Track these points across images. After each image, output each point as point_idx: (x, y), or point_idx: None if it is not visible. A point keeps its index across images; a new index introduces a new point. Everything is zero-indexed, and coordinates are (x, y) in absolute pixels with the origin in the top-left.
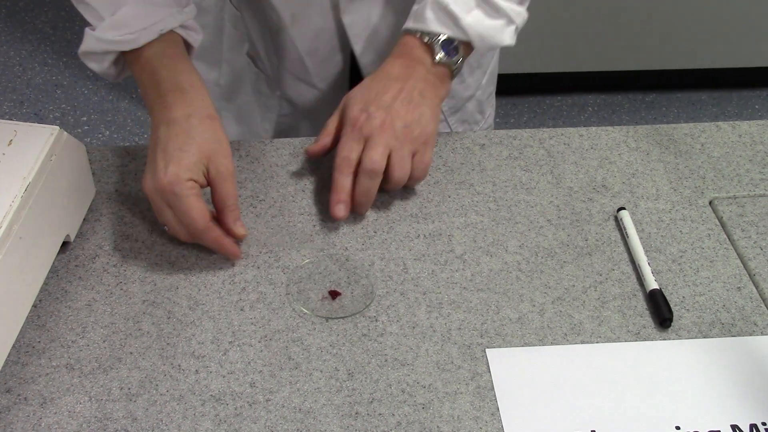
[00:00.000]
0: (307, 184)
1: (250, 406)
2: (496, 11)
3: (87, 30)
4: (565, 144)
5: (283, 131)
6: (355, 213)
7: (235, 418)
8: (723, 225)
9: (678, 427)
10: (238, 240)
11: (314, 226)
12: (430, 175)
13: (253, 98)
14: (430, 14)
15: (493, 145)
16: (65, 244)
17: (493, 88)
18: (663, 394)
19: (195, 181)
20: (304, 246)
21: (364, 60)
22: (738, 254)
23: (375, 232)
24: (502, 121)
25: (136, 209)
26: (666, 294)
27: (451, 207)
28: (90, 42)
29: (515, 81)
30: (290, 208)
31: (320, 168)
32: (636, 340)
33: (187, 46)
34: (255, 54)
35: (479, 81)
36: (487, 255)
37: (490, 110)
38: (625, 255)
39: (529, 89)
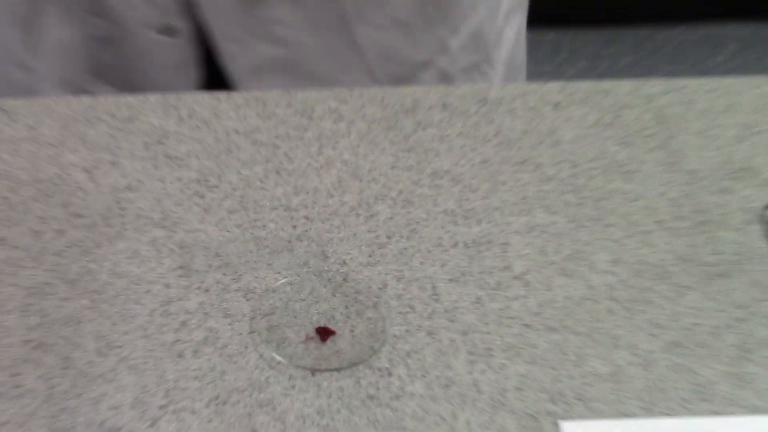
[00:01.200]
0: (285, 162)
1: None
2: None
3: None
4: (686, 103)
5: None
6: None
7: None
8: None
9: None
10: None
11: (294, 227)
12: (475, 150)
13: None
14: None
15: (574, 104)
16: None
17: (488, 54)
18: None
19: None
20: (279, 258)
21: None
22: None
23: (389, 238)
24: (589, 65)
25: (16, 198)
26: None
27: (507, 200)
28: None
29: (607, 3)
30: (258, 199)
31: (306, 136)
32: None
33: None
34: None
35: (442, 41)
36: (563, 275)
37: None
38: None
39: (629, 16)
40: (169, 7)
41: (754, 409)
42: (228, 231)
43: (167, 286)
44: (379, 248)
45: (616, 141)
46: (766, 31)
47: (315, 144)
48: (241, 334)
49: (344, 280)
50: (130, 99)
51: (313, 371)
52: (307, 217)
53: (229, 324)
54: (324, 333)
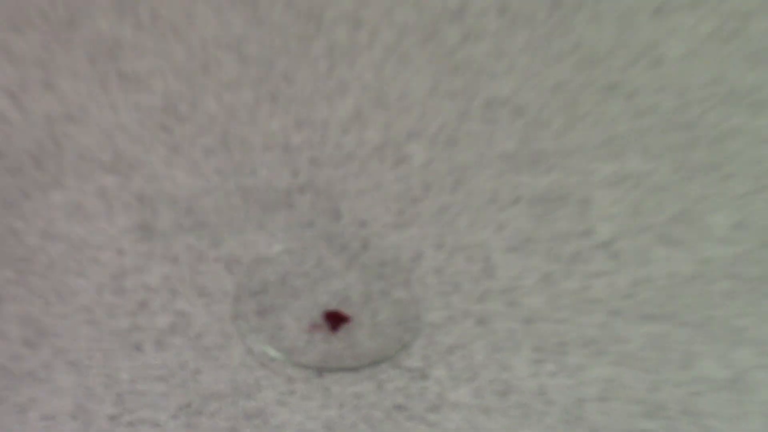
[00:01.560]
0: (282, 86)
1: None
2: None
3: None
4: None
5: None
6: None
7: None
8: None
9: None
10: None
11: (295, 174)
12: (545, 72)
13: None
14: None
15: (681, 8)
16: None
17: None
18: None
19: None
20: (274, 216)
21: None
22: None
23: (426, 192)
24: None
25: None
26: None
27: (589, 139)
28: None
29: None
30: (246, 135)
31: (312, 50)
32: None
33: None
34: None
35: None
36: (665, 244)
37: None
38: None
39: None
40: None
41: None
42: (204, 179)
43: (121, 252)
44: (413, 204)
45: (739, 60)
46: None
47: (324, 61)
48: (221, 319)
49: (364, 247)
50: None
51: (320, 371)
52: (313, 161)
53: (206, 306)
54: (335, 320)
